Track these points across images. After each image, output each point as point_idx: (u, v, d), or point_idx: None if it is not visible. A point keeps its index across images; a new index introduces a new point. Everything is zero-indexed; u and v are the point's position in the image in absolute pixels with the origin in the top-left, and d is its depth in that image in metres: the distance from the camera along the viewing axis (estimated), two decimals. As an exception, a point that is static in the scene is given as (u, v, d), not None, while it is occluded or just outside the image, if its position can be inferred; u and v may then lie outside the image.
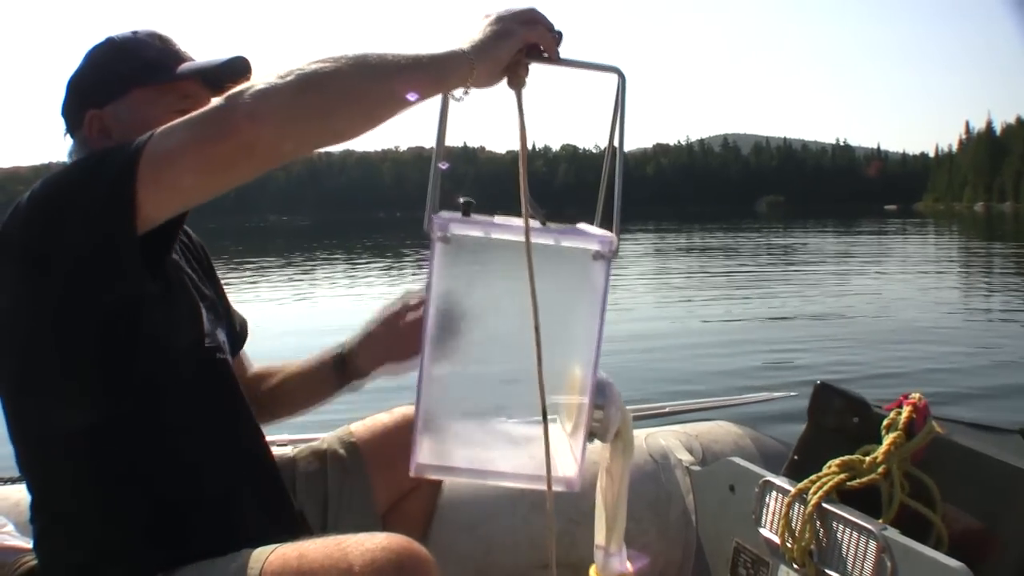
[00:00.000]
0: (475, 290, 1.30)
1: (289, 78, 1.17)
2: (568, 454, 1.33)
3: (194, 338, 1.48)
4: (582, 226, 1.35)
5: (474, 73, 1.22)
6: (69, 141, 1.54)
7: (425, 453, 1.25)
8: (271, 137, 1.18)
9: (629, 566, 1.37)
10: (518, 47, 1.25)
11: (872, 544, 1.51)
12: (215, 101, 1.21)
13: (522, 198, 1.20)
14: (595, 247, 1.21)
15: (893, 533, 1.49)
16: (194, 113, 1.22)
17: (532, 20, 1.26)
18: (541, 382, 1.18)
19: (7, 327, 1.34)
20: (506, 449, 1.35)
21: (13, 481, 2.12)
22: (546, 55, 1.28)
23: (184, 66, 1.52)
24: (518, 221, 1.21)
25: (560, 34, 1.28)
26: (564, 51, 1.30)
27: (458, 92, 1.26)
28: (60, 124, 1.55)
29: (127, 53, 1.52)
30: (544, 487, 1.26)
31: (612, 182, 1.29)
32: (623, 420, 1.33)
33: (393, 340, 1.75)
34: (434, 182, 1.24)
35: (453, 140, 1.32)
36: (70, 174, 1.31)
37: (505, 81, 1.28)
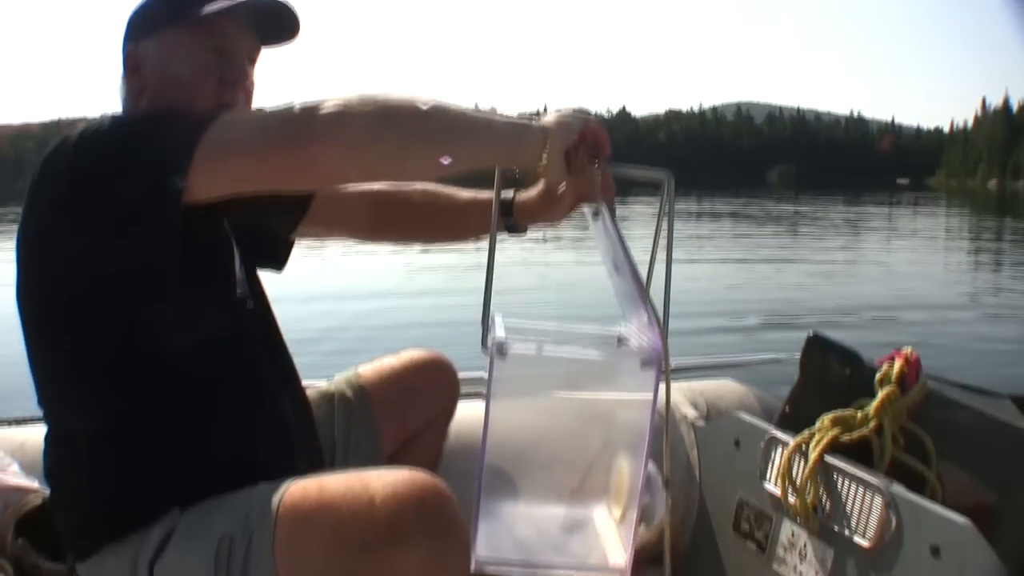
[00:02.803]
0: (528, 394, 1.42)
1: (369, 108, 1.21)
2: (617, 542, 1.40)
3: (225, 289, 1.49)
4: (631, 328, 1.46)
5: (547, 148, 1.31)
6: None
7: (483, 546, 1.33)
8: (337, 160, 1.22)
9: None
10: (582, 131, 1.36)
11: (877, 499, 1.51)
12: (289, 107, 1.23)
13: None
14: (643, 359, 1.29)
15: (899, 489, 1.49)
16: (266, 113, 1.25)
17: (594, 121, 1.38)
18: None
19: (33, 263, 1.36)
20: (560, 537, 1.44)
21: (19, 423, 2.14)
22: (596, 162, 1.40)
23: (211, 6, 1.44)
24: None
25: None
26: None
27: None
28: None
29: None
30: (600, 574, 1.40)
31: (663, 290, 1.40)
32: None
33: (548, 205, 1.68)
34: (488, 291, 1.38)
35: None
36: (127, 136, 1.31)
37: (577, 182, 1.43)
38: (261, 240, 1.73)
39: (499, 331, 1.36)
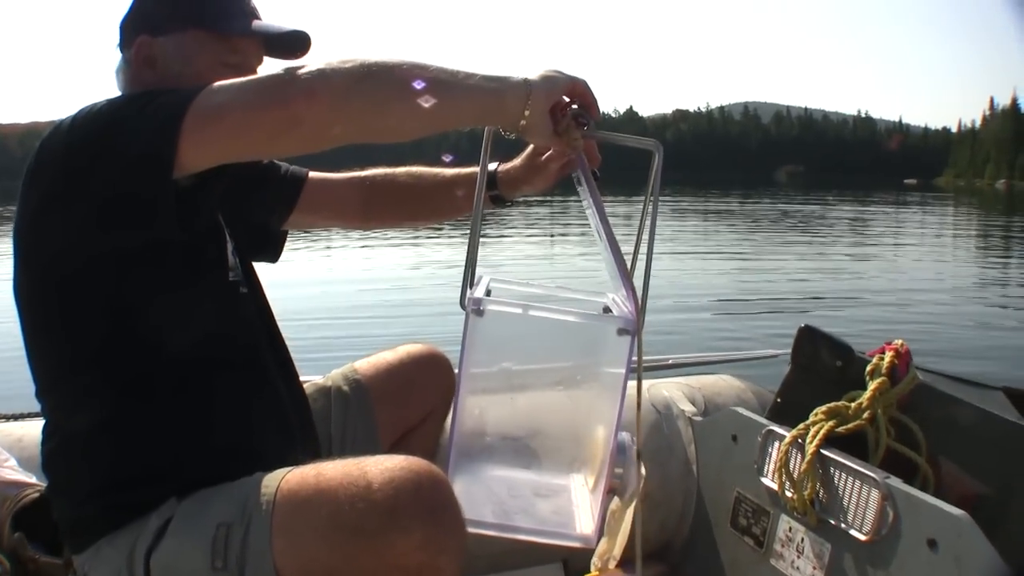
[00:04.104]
0: (506, 357, 1.42)
1: (350, 64, 1.22)
2: (588, 510, 1.40)
3: (219, 273, 1.50)
4: (618, 298, 1.45)
5: (529, 101, 1.29)
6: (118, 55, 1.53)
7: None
8: (321, 116, 1.22)
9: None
10: (568, 87, 1.34)
11: (874, 492, 1.51)
12: (273, 70, 1.25)
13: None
14: (619, 325, 1.29)
15: (896, 481, 1.49)
16: (250, 77, 1.27)
17: (582, 80, 1.36)
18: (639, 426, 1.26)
19: (30, 249, 1.37)
20: (532, 502, 1.43)
21: (16, 418, 2.17)
22: (584, 123, 1.37)
23: (252, 25, 1.51)
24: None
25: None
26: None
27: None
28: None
29: None
30: (568, 544, 1.38)
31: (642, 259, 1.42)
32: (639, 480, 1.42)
33: (532, 173, 1.70)
34: (472, 253, 1.37)
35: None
36: (118, 111, 1.32)
37: (561, 146, 1.39)
38: (253, 232, 1.75)
39: (481, 290, 1.36)
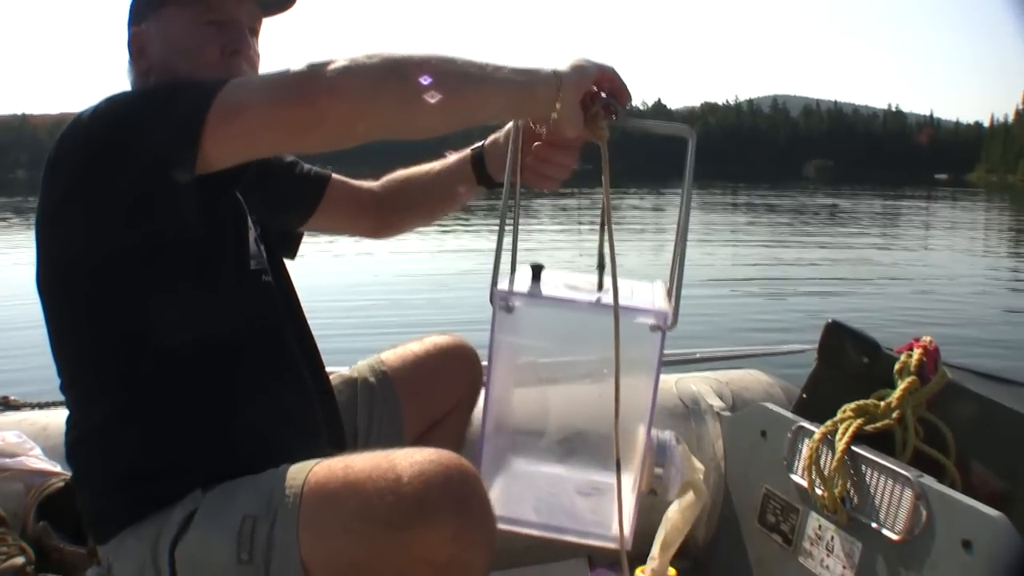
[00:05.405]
0: (538, 350, 1.41)
1: (376, 60, 1.21)
2: (629, 512, 1.37)
3: (240, 262, 1.49)
4: (641, 290, 1.43)
5: (560, 93, 1.27)
6: None
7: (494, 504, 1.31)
8: (345, 113, 1.21)
9: None
10: (597, 75, 1.31)
11: (907, 491, 1.48)
12: (297, 66, 1.23)
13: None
14: (651, 321, 1.28)
15: (930, 481, 1.46)
16: (274, 72, 1.25)
17: (610, 67, 1.34)
18: (616, 436, 1.26)
19: (51, 241, 1.37)
20: (573, 500, 1.42)
21: (42, 407, 2.18)
22: (615, 113, 1.34)
23: None
24: (580, 286, 1.35)
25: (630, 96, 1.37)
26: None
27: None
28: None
29: None
30: (603, 544, 1.38)
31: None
32: (692, 475, 1.37)
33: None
34: (498, 248, 1.35)
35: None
36: (139, 102, 1.32)
37: (589, 136, 1.35)
38: (272, 231, 1.73)
39: (519, 283, 1.34)
